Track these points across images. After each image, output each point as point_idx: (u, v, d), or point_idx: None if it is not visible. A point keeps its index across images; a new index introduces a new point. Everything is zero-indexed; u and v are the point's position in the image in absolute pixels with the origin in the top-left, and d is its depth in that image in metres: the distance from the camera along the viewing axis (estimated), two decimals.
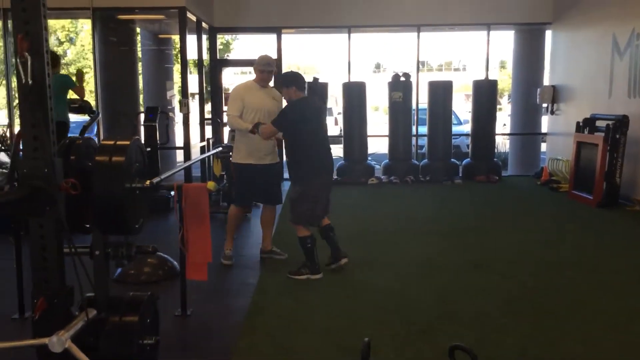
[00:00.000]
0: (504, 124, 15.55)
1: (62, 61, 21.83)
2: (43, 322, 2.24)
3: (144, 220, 3.03)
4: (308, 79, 10.32)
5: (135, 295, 3.00)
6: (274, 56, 10.54)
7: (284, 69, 10.37)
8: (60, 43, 24.32)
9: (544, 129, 11.47)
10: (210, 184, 4.02)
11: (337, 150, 12.39)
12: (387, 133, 10.94)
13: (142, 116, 8.56)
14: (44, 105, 2.16)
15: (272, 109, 5.27)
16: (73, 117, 8.09)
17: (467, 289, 4.62)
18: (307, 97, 5.15)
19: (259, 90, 5.35)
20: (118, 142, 2.82)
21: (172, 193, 3.99)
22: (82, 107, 7.86)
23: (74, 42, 23.97)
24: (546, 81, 11.15)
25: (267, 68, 5.33)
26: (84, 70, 9.46)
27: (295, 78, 5.04)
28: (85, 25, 20.64)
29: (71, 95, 7.75)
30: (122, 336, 2.75)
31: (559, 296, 4.45)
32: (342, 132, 11.02)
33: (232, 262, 5.40)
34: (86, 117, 8.07)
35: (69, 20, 22.71)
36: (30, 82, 2.09)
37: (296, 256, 5.19)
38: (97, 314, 2.55)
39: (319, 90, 10.65)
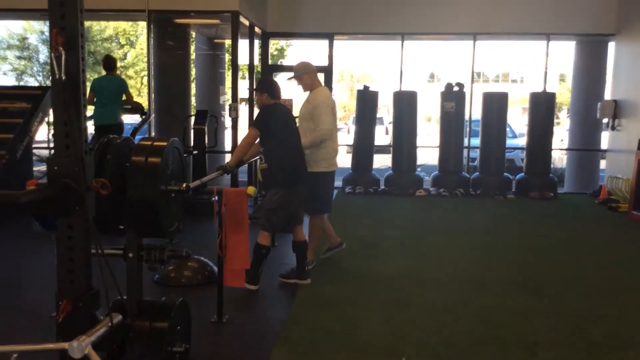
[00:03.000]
0: (562, 139, 15.04)
1: (122, 64, 22.51)
2: (67, 325, 2.19)
3: (179, 224, 2.97)
4: (358, 87, 10.22)
5: (166, 300, 2.94)
6: (325, 62, 10.48)
7: (336, 76, 10.29)
8: (121, 46, 25.03)
9: (604, 145, 10.99)
10: (251, 189, 3.95)
11: (385, 160, 12.30)
12: (437, 144, 10.70)
13: (193, 119, 8.63)
14: (77, 102, 2.11)
15: (303, 114, 5.34)
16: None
17: (514, 312, 4.37)
18: (279, 104, 4.99)
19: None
20: (155, 143, 2.76)
21: (215, 197, 3.92)
22: (134, 108, 8.01)
23: (134, 45, 24.59)
24: (607, 95, 10.69)
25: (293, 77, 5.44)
26: (141, 74, 9.66)
27: (269, 85, 5.02)
28: (144, 29, 21.19)
29: None
30: (150, 342, 2.68)
31: (614, 326, 4.15)
32: (392, 142, 10.84)
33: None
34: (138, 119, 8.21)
35: (130, 24, 23.35)
36: (63, 78, 2.04)
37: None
38: (122, 320, 2.48)
39: (369, 97, 10.53)
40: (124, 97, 7.84)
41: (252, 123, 4.97)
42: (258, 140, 4.80)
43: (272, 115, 4.82)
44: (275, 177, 4.80)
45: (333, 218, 6.10)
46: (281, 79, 10.41)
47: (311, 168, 5.16)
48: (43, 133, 9.61)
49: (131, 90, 8.35)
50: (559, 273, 5.47)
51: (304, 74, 5.35)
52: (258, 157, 4.99)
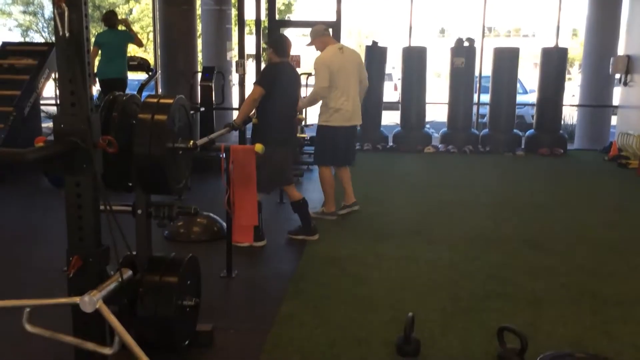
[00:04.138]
0: (573, 95, 14.84)
1: (128, 18, 22.26)
2: (77, 281, 2.22)
3: (187, 181, 2.98)
4: (367, 42, 10.06)
5: (176, 256, 2.97)
6: (334, 18, 10.29)
7: (344, 32, 10.14)
8: (127, 1, 24.70)
9: (616, 101, 10.85)
10: (258, 147, 3.93)
11: (394, 117, 12.22)
12: (447, 101, 10.60)
13: (199, 76, 8.57)
14: (81, 59, 2.09)
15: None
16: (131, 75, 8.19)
17: (521, 269, 4.40)
18: (285, 63, 4.99)
19: None
20: (161, 101, 2.75)
21: (222, 155, 3.92)
22: (140, 64, 7.94)
23: (139, 0, 24.26)
24: (621, 50, 10.48)
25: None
26: (147, 30, 9.57)
27: (276, 41, 5.02)
28: None
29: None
30: (160, 297, 2.72)
31: (620, 283, 4.17)
32: (401, 99, 10.74)
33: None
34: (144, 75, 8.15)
35: None
36: (67, 35, 2.02)
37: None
38: (132, 275, 2.51)
39: (377, 54, 10.38)
40: (130, 50, 7.78)
41: (256, 80, 4.94)
42: None
43: (273, 74, 4.84)
44: (264, 134, 4.78)
45: None
46: (289, 33, 10.23)
47: (319, 121, 5.59)
48: (50, 89, 9.59)
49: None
50: (567, 230, 5.48)
51: (315, 39, 5.62)
52: None
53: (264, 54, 5.15)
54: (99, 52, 7.59)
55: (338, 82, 5.44)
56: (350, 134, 5.70)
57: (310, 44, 5.70)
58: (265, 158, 4.51)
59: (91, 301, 2.05)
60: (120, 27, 7.90)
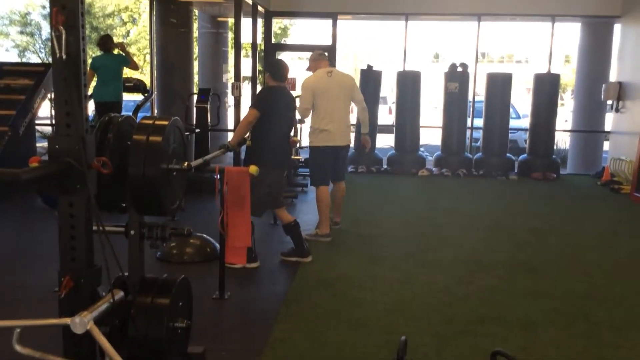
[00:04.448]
0: (565, 120, 14.97)
1: (125, 41, 22.39)
2: (68, 301, 2.21)
3: (181, 202, 2.98)
4: (362, 66, 10.18)
5: (168, 277, 2.96)
6: (329, 42, 10.41)
7: (340, 56, 10.24)
8: (124, 23, 24.87)
9: (608, 127, 10.95)
10: (253, 169, 3.95)
11: (388, 140, 12.27)
12: (441, 124, 10.67)
13: (195, 97, 8.61)
14: (78, 81, 2.11)
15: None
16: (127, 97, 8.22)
17: (515, 292, 4.40)
18: (281, 87, 5.06)
19: None
20: (156, 122, 2.76)
21: (217, 176, 3.93)
22: (136, 86, 7.98)
23: (136, 22, 24.44)
24: (612, 77, 10.62)
25: None
26: (144, 52, 9.65)
27: (273, 65, 5.11)
28: (148, 7, 21.01)
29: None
30: (152, 318, 2.71)
31: (613, 307, 4.17)
32: (395, 122, 10.80)
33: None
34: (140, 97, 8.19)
35: (133, 1, 23.19)
36: (64, 57, 2.04)
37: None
38: (124, 296, 2.50)
39: (372, 77, 10.48)
40: (125, 72, 7.83)
41: (251, 103, 4.99)
42: None
43: (268, 98, 4.90)
44: (258, 156, 4.80)
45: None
46: (284, 57, 10.33)
47: (309, 142, 5.82)
48: (45, 109, 9.61)
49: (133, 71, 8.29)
50: (560, 254, 5.49)
51: (310, 63, 5.95)
52: None
53: (260, 76, 5.21)
54: (95, 75, 7.63)
55: (321, 104, 5.63)
56: (336, 154, 5.80)
57: (307, 69, 5.95)
58: (258, 180, 4.52)
59: (82, 322, 2.04)
60: (116, 51, 7.95)
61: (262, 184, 4.69)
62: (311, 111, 5.68)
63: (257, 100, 4.95)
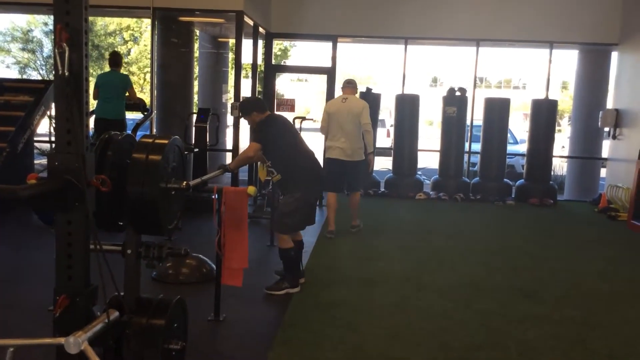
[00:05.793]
0: (563, 146, 15.02)
1: (126, 60, 22.52)
2: (63, 320, 2.18)
3: (178, 221, 2.97)
4: (361, 88, 10.25)
5: (164, 298, 2.94)
6: (329, 64, 10.48)
7: (339, 78, 10.31)
8: (125, 42, 25.02)
9: (605, 153, 10.99)
10: (251, 189, 3.94)
11: (386, 163, 12.28)
12: (438, 148, 10.70)
13: (195, 117, 8.63)
14: (79, 98, 2.11)
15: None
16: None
17: (512, 318, 4.37)
18: (273, 114, 5.04)
19: None
20: (156, 141, 2.76)
21: (215, 196, 3.92)
22: (136, 104, 8.00)
23: (138, 41, 24.59)
24: (609, 104, 10.69)
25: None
26: (144, 70, 9.71)
27: (251, 104, 4.96)
28: (149, 26, 21.14)
29: None
30: (147, 339, 2.68)
31: (610, 334, 4.15)
32: (393, 145, 10.83)
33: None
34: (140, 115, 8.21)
35: (134, 20, 23.34)
36: (66, 74, 2.04)
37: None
38: (119, 316, 2.47)
39: (371, 100, 10.51)
40: (127, 94, 7.85)
41: (252, 138, 4.93)
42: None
43: (270, 128, 4.78)
44: (294, 181, 4.75)
45: None
46: (284, 78, 10.38)
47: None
48: (44, 126, 9.61)
49: (134, 87, 8.35)
50: (557, 280, 5.47)
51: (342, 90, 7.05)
52: (266, 165, 4.94)
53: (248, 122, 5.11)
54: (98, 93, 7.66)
55: (332, 124, 6.74)
56: (343, 167, 6.71)
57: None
58: (296, 205, 4.72)
59: (76, 342, 2.02)
60: (123, 70, 8.00)
61: (294, 206, 4.72)
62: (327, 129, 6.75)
63: (257, 134, 4.82)
